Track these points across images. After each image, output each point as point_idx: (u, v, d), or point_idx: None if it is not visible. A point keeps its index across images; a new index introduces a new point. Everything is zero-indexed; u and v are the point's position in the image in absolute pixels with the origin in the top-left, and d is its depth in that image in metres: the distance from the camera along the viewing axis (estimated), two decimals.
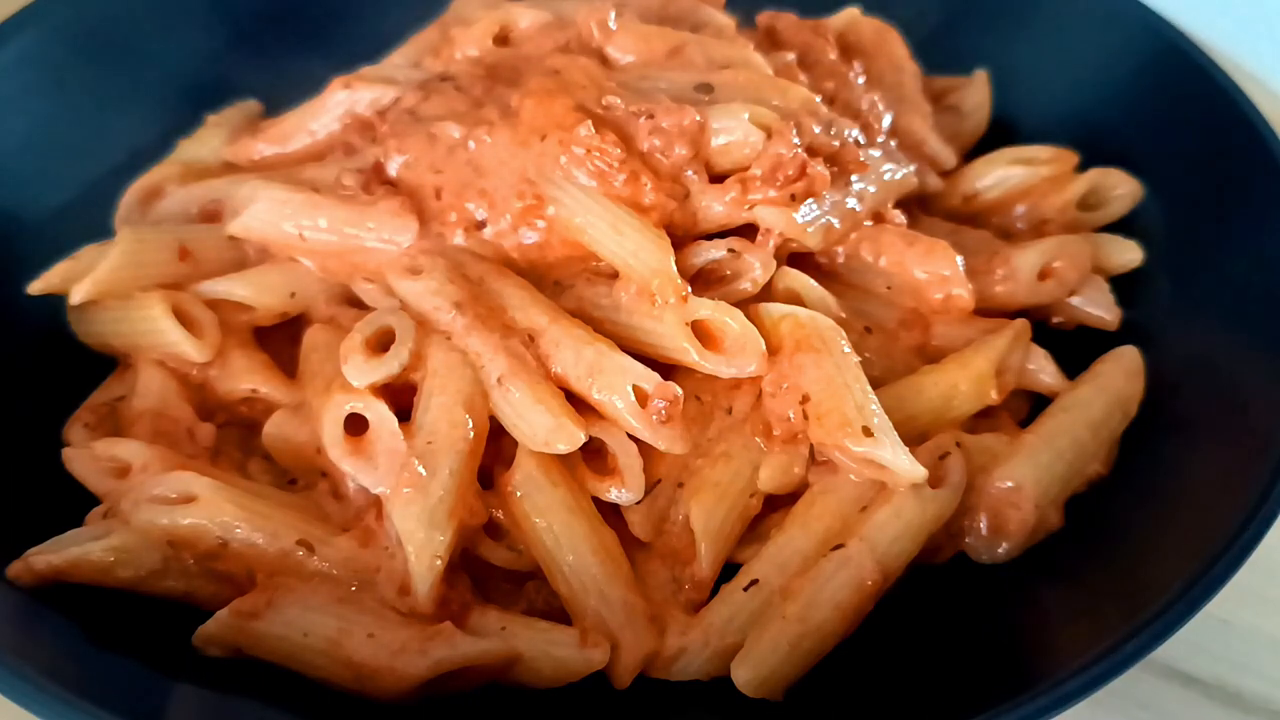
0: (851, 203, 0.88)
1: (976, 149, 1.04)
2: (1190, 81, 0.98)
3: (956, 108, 1.06)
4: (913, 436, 0.80)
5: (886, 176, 0.91)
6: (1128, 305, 0.93)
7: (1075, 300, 0.93)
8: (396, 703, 0.71)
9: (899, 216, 0.91)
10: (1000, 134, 1.06)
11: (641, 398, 0.77)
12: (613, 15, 0.93)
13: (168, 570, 0.74)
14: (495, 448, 0.79)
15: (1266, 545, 0.71)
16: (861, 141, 0.91)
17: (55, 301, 0.87)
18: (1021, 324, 0.87)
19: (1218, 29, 1.02)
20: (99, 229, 0.92)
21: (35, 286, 0.87)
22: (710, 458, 0.80)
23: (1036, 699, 0.65)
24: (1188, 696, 0.83)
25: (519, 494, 0.77)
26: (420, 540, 0.73)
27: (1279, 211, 0.88)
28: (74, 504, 0.79)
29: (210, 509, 0.75)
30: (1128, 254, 0.94)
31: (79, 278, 0.85)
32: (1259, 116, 0.93)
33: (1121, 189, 0.98)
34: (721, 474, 0.79)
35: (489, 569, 0.79)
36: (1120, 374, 0.85)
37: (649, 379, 0.77)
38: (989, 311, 0.89)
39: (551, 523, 0.76)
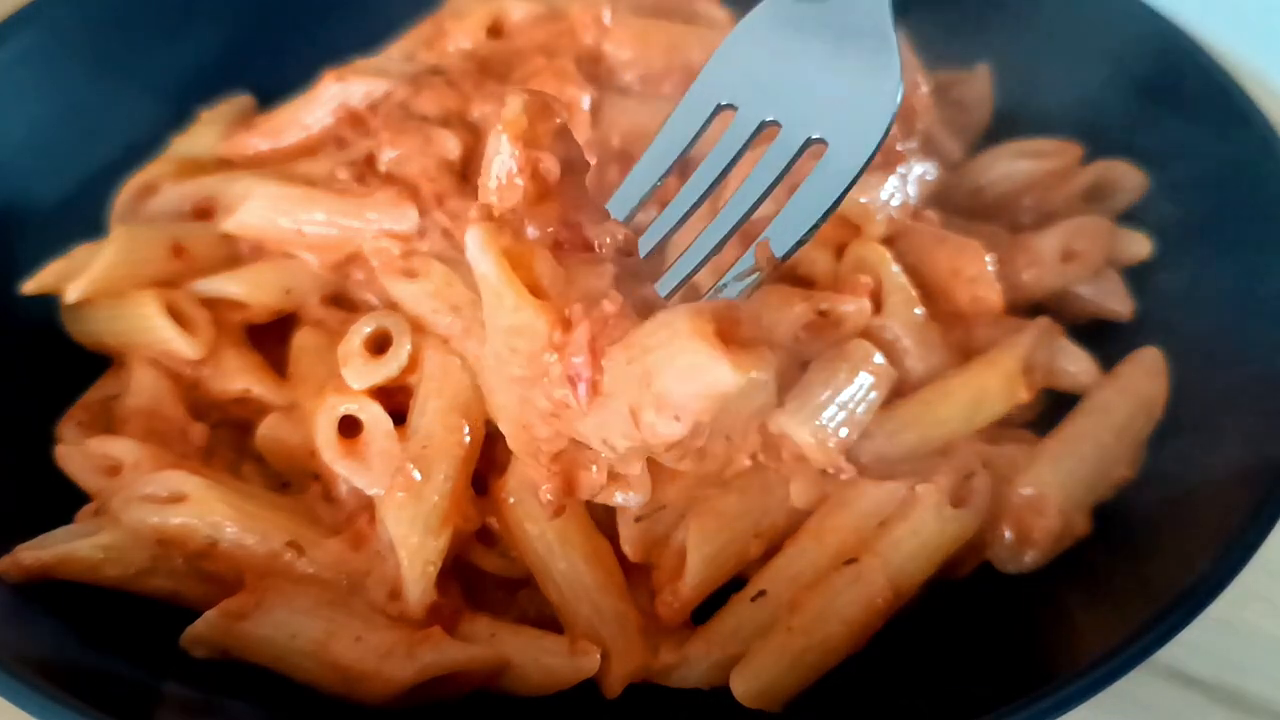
0: (905, 194, 0.88)
1: (980, 144, 1.03)
2: (1188, 76, 0.97)
3: (959, 102, 1.05)
4: (940, 443, 0.80)
5: (920, 170, 0.91)
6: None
7: (1087, 292, 0.92)
8: (384, 707, 0.70)
9: (933, 215, 0.91)
10: (1003, 128, 1.05)
11: None
12: (607, 13, 0.93)
13: (156, 569, 0.74)
14: (489, 454, 0.79)
15: (1268, 546, 0.70)
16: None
17: (49, 300, 0.87)
18: (1046, 320, 0.86)
19: (1217, 25, 1.01)
20: (94, 227, 0.92)
21: (29, 286, 0.86)
22: (723, 489, 0.79)
23: (1038, 701, 0.64)
24: (1189, 698, 0.82)
25: (512, 500, 0.77)
26: (413, 545, 0.73)
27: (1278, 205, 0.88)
28: (66, 502, 0.79)
29: (200, 508, 0.74)
30: (1137, 245, 0.94)
31: (73, 276, 0.85)
32: (1256, 110, 0.92)
33: (1128, 181, 0.97)
34: (731, 505, 0.78)
35: (481, 575, 0.79)
36: (1142, 375, 0.84)
37: None
38: (1018, 303, 0.88)
39: (545, 530, 0.76)
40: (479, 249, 0.58)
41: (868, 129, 0.67)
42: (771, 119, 0.69)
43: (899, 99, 0.68)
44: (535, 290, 0.59)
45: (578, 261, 0.61)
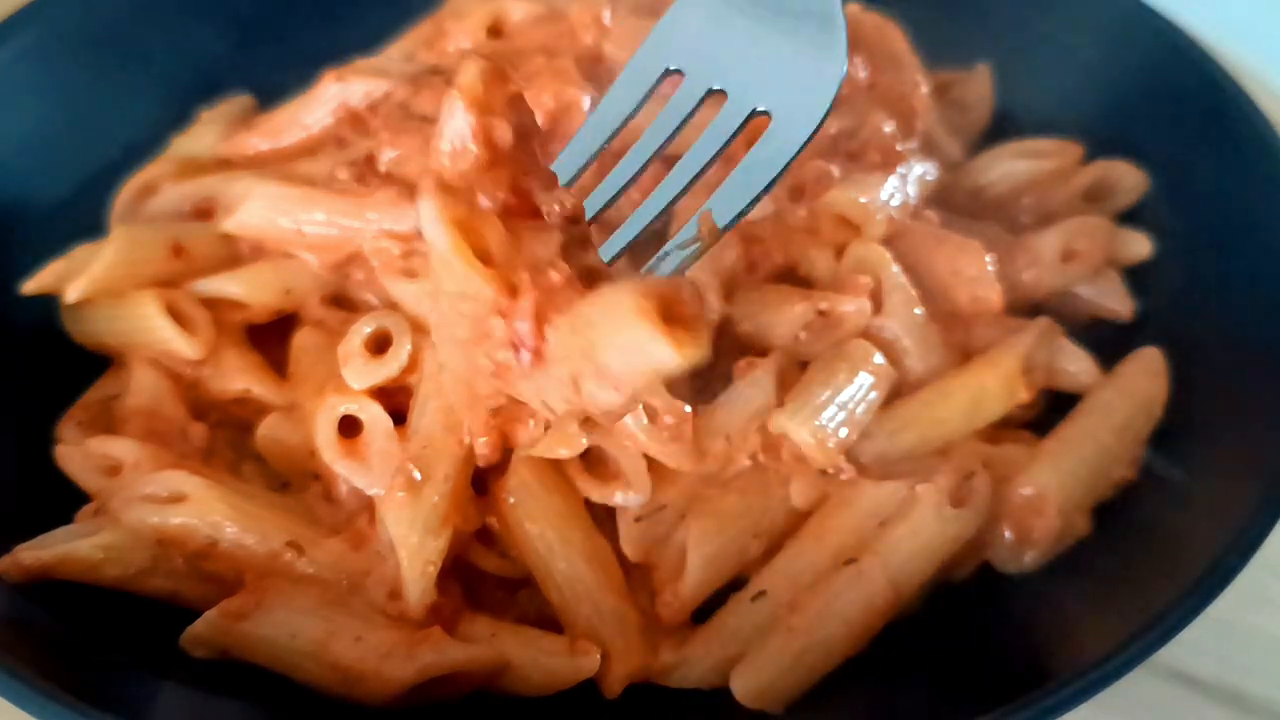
0: (905, 194, 0.88)
1: (980, 144, 1.03)
2: (1188, 76, 0.96)
3: (959, 102, 1.05)
4: (939, 443, 0.80)
5: (920, 170, 0.91)
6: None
7: (1087, 292, 0.92)
8: (384, 707, 0.70)
9: (933, 215, 0.91)
10: (1002, 129, 1.05)
11: (650, 413, 0.76)
12: (607, 13, 0.92)
13: (156, 569, 0.74)
14: None
15: (1268, 546, 0.70)
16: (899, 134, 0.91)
17: (49, 300, 0.87)
18: (1046, 320, 0.86)
19: (1217, 25, 1.01)
20: (94, 227, 0.92)
21: (29, 286, 0.86)
22: (723, 489, 0.79)
23: (1038, 701, 0.64)
24: (1189, 697, 0.82)
25: (513, 500, 0.77)
26: (413, 545, 0.73)
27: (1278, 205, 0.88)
28: (66, 502, 0.79)
29: (200, 508, 0.74)
30: (1137, 245, 0.94)
31: (73, 276, 0.85)
32: (1256, 110, 0.92)
33: (1128, 181, 0.97)
34: (731, 505, 0.78)
35: (481, 575, 0.79)
36: (1142, 375, 0.84)
37: (660, 395, 0.76)
38: (1018, 303, 0.89)
39: (545, 530, 0.76)
40: (433, 221, 0.60)
41: (812, 105, 0.67)
42: (718, 87, 0.69)
43: (843, 75, 0.68)
44: (483, 257, 0.60)
45: (525, 228, 0.62)
